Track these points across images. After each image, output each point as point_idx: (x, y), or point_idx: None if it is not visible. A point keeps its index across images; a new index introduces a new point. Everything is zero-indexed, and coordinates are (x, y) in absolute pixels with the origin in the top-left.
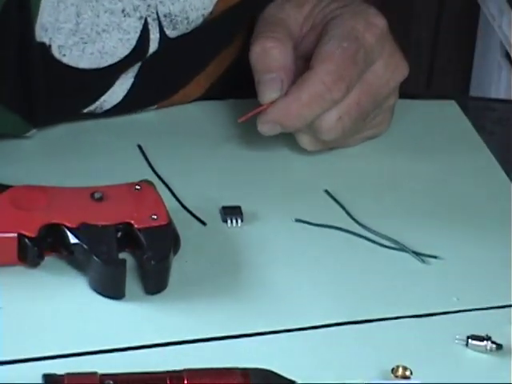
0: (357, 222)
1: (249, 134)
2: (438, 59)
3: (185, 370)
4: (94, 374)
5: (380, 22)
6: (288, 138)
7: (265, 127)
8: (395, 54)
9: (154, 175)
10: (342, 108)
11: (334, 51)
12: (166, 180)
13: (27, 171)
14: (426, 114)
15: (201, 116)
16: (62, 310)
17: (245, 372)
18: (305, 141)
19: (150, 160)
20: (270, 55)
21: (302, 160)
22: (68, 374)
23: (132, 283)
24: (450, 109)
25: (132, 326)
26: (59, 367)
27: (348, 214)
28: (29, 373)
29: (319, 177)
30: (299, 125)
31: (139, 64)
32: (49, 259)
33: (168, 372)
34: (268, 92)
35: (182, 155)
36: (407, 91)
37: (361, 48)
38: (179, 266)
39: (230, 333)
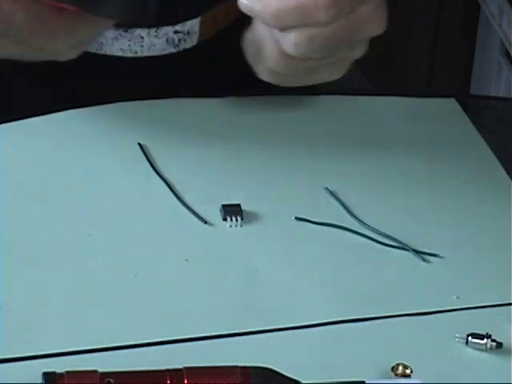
0: (357, 220)
1: (250, 132)
2: (437, 59)
3: (185, 368)
4: (94, 371)
5: None
6: (288, 137)
7: (242, 3)
8: (382, 7)
9: (154, 173)
10: (319, 32)
11: None
12: (166, 178)
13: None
14: (426, 113)
15: (201, 114)
16: (62, 308)
17: (245, 370)
18: (271, 53)
19: (150, 158)
20: None
21: (302, 158)
22: (68, 372)
23: (131, 283)
24: (451, 107)
25: (131, 323)
26: (59, 365)
27: (348, 212)
28: (29, 371)
29: (319, 175)
30: (271, 24)
31: None
32: (49, 259)
33: (168, 370)
34: None
35: (183, 153)
36: (407, 90)
37: None
38: (179, 264)
39: (230, 331)
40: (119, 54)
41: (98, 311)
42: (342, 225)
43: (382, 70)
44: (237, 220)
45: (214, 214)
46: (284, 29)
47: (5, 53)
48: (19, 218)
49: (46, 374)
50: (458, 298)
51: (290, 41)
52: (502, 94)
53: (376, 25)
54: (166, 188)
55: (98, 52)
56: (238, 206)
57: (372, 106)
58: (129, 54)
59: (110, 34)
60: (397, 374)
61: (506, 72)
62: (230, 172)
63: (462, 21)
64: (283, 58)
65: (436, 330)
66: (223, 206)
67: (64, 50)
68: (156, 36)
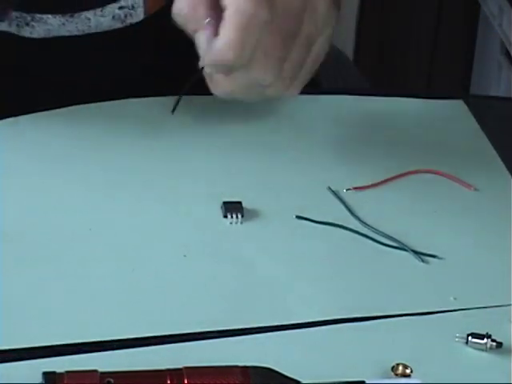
0: (358, 219)
1: (251, 130)
2: (437, 59)
3: (185, 368)
4: (94, 371)
5: None
6: (291, 136)
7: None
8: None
9: (154, 170)
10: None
11: None
12: (166, 174)
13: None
14: (433, 114)
15: (204, 111)
16: (60, 301)
17: (245, 370)
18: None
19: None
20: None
21: (304, 157)
22: (68, 372)
23: (129, 277)
24: (458, 108)
25: (128, 318)
26: (59, 365)
27: (350, 211)
28: (29, 371)
29: (321, 174)
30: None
31: None
32: (47, 253)
33: (168, 370)
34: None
35: (183, 150)
36: (408, 90)
37: None
38: (178, 260)
39: (228, 327)
40: (66, 34)
41: (94, 305)
42: (342, 224)
43: (382, 70)
44: (237, 217)
45: (215, 210)
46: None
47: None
48: (20, 212)
49: (46, 374)
50: (455, 299)
51: (220, 84)
52: (502, 94)
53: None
54: (167, 184)
55: (47, 37)
56: (239, 203)
57: (375, 106)
58: (75, 33)
59: (57, 21)
60: (397, 374)
61: (506, 72)
62: (232, 169)
63: (462, 21)
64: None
65: (436, 329)
66: (224, 203)
67: None
68: (102, 15)
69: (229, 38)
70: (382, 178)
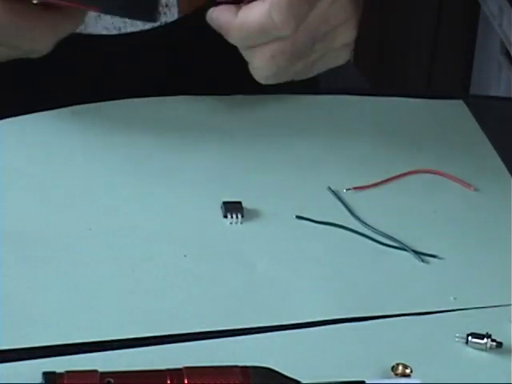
0: (358, 219)
1: (252, 130)
2: (437, 59)
3: (185, 368)
4: (94, 371)
5: None
6: (291, 136)
7: (210, 23)
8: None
9: (154, 170)
10: (276, 47)
11: None
12: (166, 174)
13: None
14: (433, 114)
15: (205, 111)
16: (59, 301)
17: (245, 370)
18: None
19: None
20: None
21: (304, 157)
22: (68, 372)
23: (129, 277)
24: (458, 108)
25: (128, 318)
26: (59, 365)
27: (350, 211)
28: (29, 371)
29: (322, 174)
30: (237, 45)
31: None
32: (47, 253)
33: (168, 370)
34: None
35: (184, 150)
36: (408, 90)
37: None
38: (178, 260)
39: (228, 327)
40: (104, 32)
41: (94, 305)
42: (342, 224)
43: (382, 70)
44: (237, 217)
45: (215, 210)
46: (249, 48)
47: None
48: (20, 212)
49: (46, 374)
50: (454, 299)
51: (254, 64)
52: (502, 94)
53: (339, 12)
54: (167, 184)
55: (83, 32)
56: (239, 203)
57: (375, 106)
58: (113, 31)
59: (93, 13)
60: (397, 374)
61: (506, 72)
62: (232, 169)
63: (462, 21)
64: (263, 71)
65: (436, 329)
66: (224, 203)
67: (46, 47)
68: None
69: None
70: (382, 178)
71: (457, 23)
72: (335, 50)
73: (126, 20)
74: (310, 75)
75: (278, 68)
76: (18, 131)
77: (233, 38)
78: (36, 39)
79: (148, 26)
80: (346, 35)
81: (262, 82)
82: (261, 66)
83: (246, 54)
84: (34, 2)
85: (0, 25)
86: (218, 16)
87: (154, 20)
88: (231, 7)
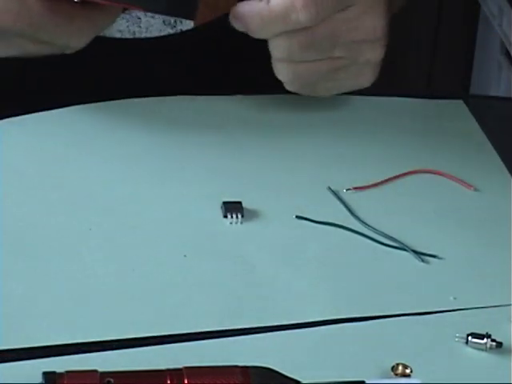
0: (358, 219)
1: (252, 130)
2: (437, 59)
3: (185, 368)
4: (94, 371)
5: None
6: (291, 136)
7: (234, 22)
8: (377, 9)
9: (154, 169)
10: (304, 34)
11: None
12: (167, 174)
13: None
14: (433, 114)
15: (205, 111)
16: (60, 301)
17: (245, 370)
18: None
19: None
20: None
21: (305, 157)
22: (68, 372)
23: (129, 277)
24: (458, 108)
25: (128, 317)
26: (59, 365)
27: (350, 211)
28: (29, 371)
29: (322, 174)
30: (259, 36)
31: None
32: (47, 253)
33: (168, 370)
34: None
35: (184, 150)
36: (408, 90)
37: None
38: (178, 260)
39: (227, 327)
40: (118, 35)
41: (94, 305)
42: (342, 224)
43: (382, 70)
44: (237, 217)
45: (215, 210)
46: (271, 37)
47: (18, 53)
48: (20, 212)
49: (45, 374)
50: (454, 299)
51: (279, 47)
52: (502, 94)
53: (368, 26)
54: (167, 184)
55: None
56: (239, 203)
57: (375, 106)
58: (127, 35)
59: None
60: (397, 374)
61: (506, 72)
62: (232, 169)
63: (462, 21)
64: (284, 66)
65: (436, 329)
66: (224, 203)
67: (82, 43)
68: (153, 17)
69: None
70: (382, 178)
71: (457, 23)
72: (359, 64)
73: (141, 25)
74: (334, 91)
75: (295, 57)
76: (18, 131)
77: (255, 27)
78: (73, 36)
79: (164, 32)
80: (373, 52)
81: (286, 85)
82: (278, 56)
83: (269, 45)
84: (75, 0)
85: (40, 23)
86: (243, 7)
87: (193, 18)
88: (255, 1)
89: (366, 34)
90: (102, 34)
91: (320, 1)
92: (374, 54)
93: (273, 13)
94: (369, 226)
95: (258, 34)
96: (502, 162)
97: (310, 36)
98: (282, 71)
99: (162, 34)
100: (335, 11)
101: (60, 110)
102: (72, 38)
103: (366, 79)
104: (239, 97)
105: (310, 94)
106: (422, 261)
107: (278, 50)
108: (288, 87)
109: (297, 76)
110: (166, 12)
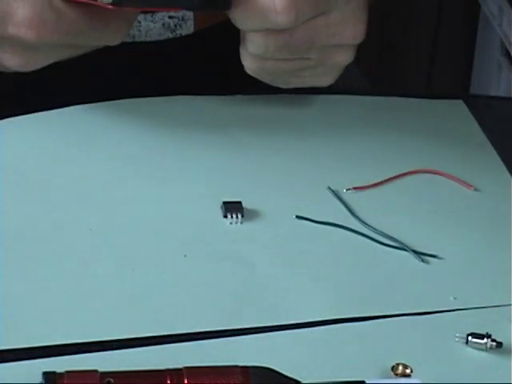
0: (358, 219)
1: (252, 129)
2: (437, 59)
3: (185, 368)
4: (94, 371)
5: None
6: (291, 136)
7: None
8: (358, 15)
9: (155, 169)
10: (272, 35)
11: None
12: (167, 174)
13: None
14: (433, 114)
15: (205, 111)
16: (60, 301)
17: (245, 370)
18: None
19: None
20: None
21: (304, 157)
22: (68, 372)
23: (129, 277)
24: (458, 108)
25: (128, 317)
26: (59, 365)
27: (350, 211)
28: (29, 371)
29: (322, 174)
30: (239, 26)
31: None
32: (47, 253)
33: (168, 370)
34: None
35: (184, 150)
36: (408, 90)
37: None
38: (178, 260)
39: (227, 327)
40: None
41: (94, 305)
42: (342, 224)
43: (382, 70)
44: (237, 217)
45: (215, 210)
46: (250, 31)
47: (54, 60)
48: (20, 212)
49: (45, 374)
50: (454, 299)
51: (255, 43)
52: (501, 94)
53: (348, 32)
54: (167, 184)
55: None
56: (239, 203)
57: (375, 106)
58: (127, 39)
59: None
60: (397, 374)
61: (506, 72)
62: (232, 169)
63: (462, 21)
64: (254, 60)
65: (436, 329)
66: (224, 203)
67: (117, 41)
68: (152, 21)
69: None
70: (382, 178)
71: (457, 23)
72: (327, 66)
73: (141, 29)
74: (293, 86)
75: (268, 56)
76: (18, 131)
77: (235, 15)
78: (110, 36)
79: (163, 37)
80: (344, 56)
81: (249, 71)
82: (252, 51)
83: (246, 37)
84: (109, 7)
85: (77, 30)
86: None
87: (229, 7)
88: None
89: (344, 39)
90: None
91: (301, 5)
92: (345, 58)
93: (253, 8)
94: (369, 225)
95: (237, 23)
96: (502, 162)
97: (288, 38)
98: (248, 61)
99: (162, 38)
100: (315, 15)
101: (60, 109)
102: (108, 38)
103: (328, 80)
104: (239, 97)
105: (268, 82)
106: (422, 261)
107: (253, 45)
108: (249, 72)
109: (262, 69)
110: (205, 7)
